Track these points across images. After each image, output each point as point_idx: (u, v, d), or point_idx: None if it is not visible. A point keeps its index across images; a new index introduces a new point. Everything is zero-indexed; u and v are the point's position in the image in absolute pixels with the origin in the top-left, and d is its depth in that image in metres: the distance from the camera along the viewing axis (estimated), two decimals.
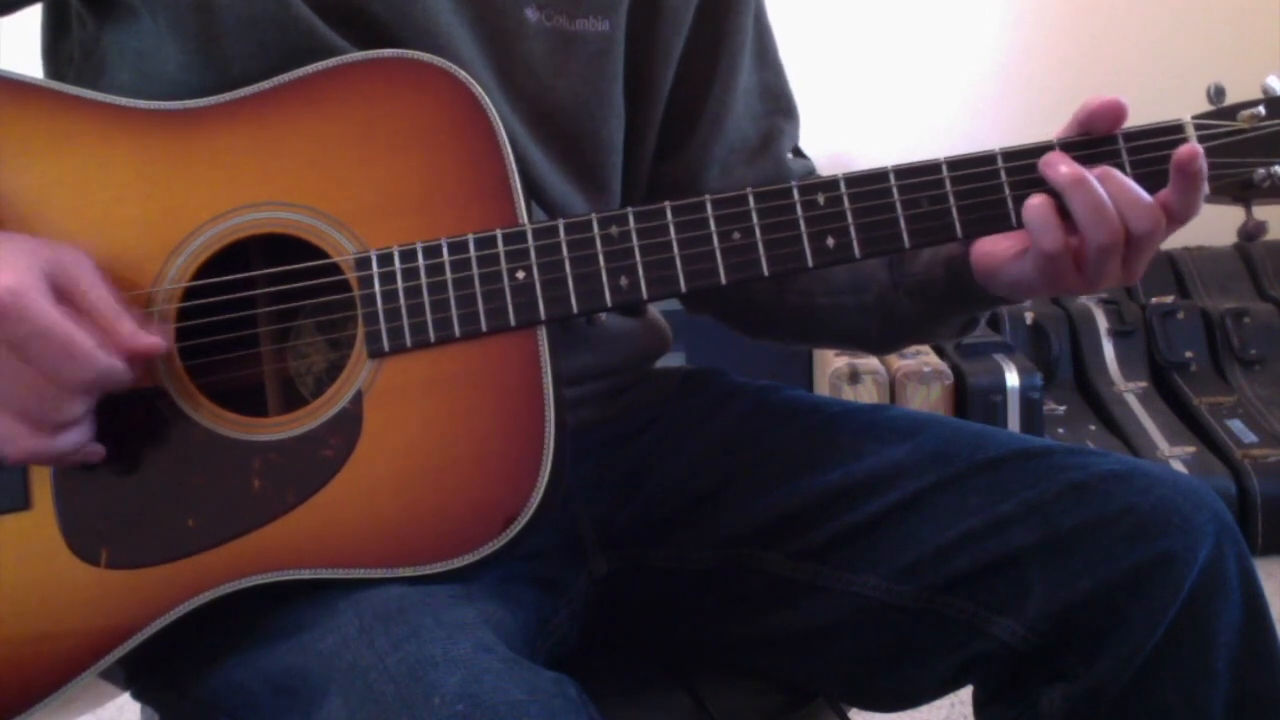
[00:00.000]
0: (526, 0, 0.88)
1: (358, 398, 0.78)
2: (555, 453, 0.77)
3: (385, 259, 0.78)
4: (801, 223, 0.80)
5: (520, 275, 0.78)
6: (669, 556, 0.96)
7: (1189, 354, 2.80)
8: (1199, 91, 0.81)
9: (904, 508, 0.89)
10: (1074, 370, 2.83)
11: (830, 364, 2.62)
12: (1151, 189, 0.78)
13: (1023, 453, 0.89)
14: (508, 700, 0.63)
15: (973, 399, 2.55)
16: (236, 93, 0.80)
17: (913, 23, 3.12)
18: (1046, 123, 0.86)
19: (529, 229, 0.79)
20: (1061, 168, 0.78)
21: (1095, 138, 0.80)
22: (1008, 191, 0.80)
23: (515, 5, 0.88)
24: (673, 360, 1.09)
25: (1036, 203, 0.78)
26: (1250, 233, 0.83)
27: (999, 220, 0.80)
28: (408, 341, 0.78)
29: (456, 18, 0.85)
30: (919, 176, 0.80)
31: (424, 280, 0.78)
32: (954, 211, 0.80)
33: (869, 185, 0.80)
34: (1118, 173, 0.78)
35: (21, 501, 0.79)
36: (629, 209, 0.80)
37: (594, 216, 0.79)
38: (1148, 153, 0.79)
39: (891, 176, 0.80)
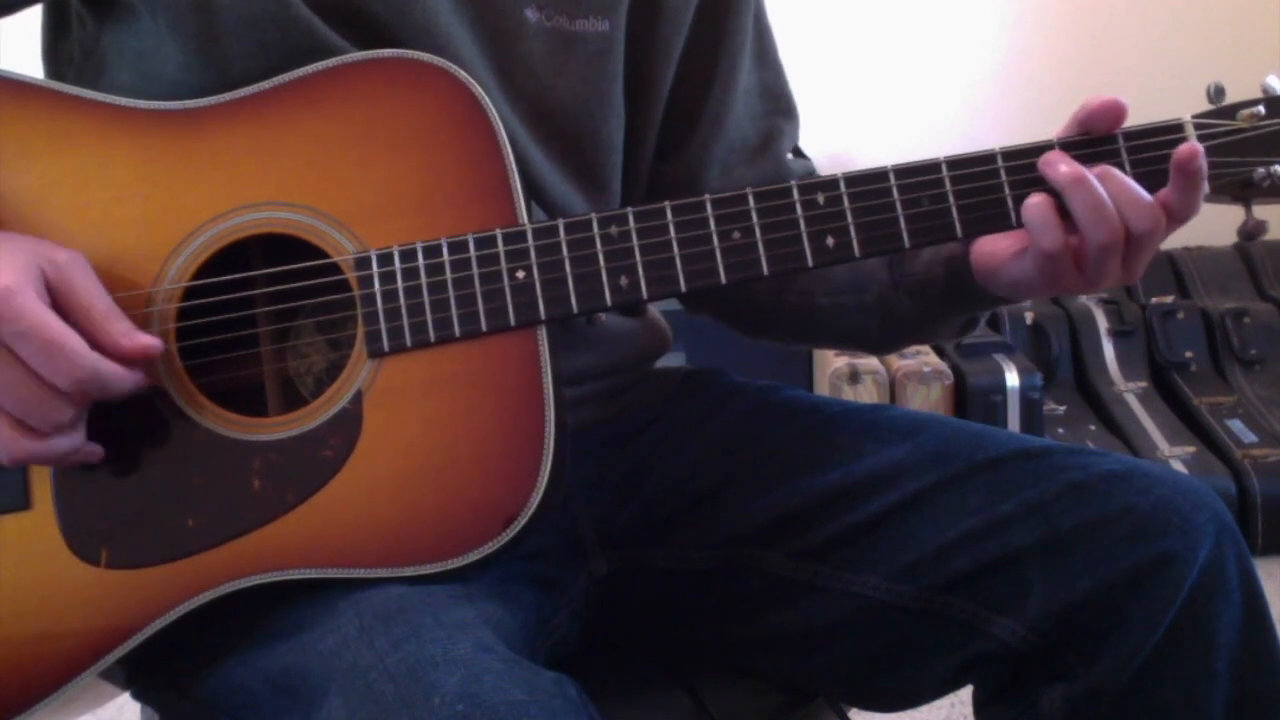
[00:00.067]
0: (526, 0, 0.88)
1: (358, 398, 0.78)
2: (555, 453, 0.77)
3: (385, 259, 0.78)
4: (801, 222, 0.80)
5: (520, 275, 0.78)
6: (669, 556, 0.96)
7: (1189, 354, 2.80)
8: (1199, 91, 0.81)
9: (904, 508, 0.89)
10: (1074, 370, 2.83)
11: (830, 364, 2.62)
12: (1151, 188, 0.78)
13: (1023, 453, 0.89)
14: (508, 700, 0.63)
15: (973, 399, 2.55)
16: (236, 93, 0.80)
17: (912, 23, 3.12)
18: (1046, 122, 0.86)
19: (529, 229, 0.79)
20: (1061, 167, 0.78)
21: (1095, 137, 0.80)
22: (1008, 191, 0.80)
23: (515, 5, 0.88)
24: (673, 360, 1.08)
25: (1036, 202, 0.78)
26: (1250, 232, 0.83)
27: (999, 220, 0.80)
28: (408, 341, 0.78)
29: (456, 18, 0.85)
30: (919, 176, 0.80)
31: (424, 280, 0.78)
32: (954, 211, 0.80)
33: (869, 185, 0.80)
34: (1117, 172, 0.78)
35: (21, 501, 0.79)
36: (629, 209, 0.80)
37: (594, 216, 0.79)
38: (1147, 152, 0.79)
39: (891, 176, 0.80)
